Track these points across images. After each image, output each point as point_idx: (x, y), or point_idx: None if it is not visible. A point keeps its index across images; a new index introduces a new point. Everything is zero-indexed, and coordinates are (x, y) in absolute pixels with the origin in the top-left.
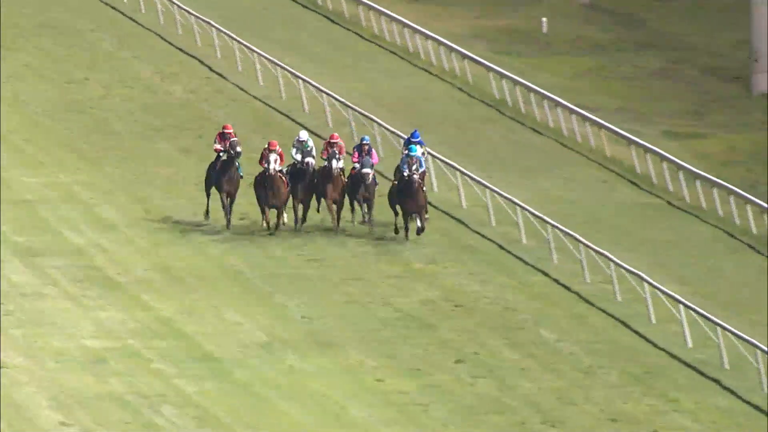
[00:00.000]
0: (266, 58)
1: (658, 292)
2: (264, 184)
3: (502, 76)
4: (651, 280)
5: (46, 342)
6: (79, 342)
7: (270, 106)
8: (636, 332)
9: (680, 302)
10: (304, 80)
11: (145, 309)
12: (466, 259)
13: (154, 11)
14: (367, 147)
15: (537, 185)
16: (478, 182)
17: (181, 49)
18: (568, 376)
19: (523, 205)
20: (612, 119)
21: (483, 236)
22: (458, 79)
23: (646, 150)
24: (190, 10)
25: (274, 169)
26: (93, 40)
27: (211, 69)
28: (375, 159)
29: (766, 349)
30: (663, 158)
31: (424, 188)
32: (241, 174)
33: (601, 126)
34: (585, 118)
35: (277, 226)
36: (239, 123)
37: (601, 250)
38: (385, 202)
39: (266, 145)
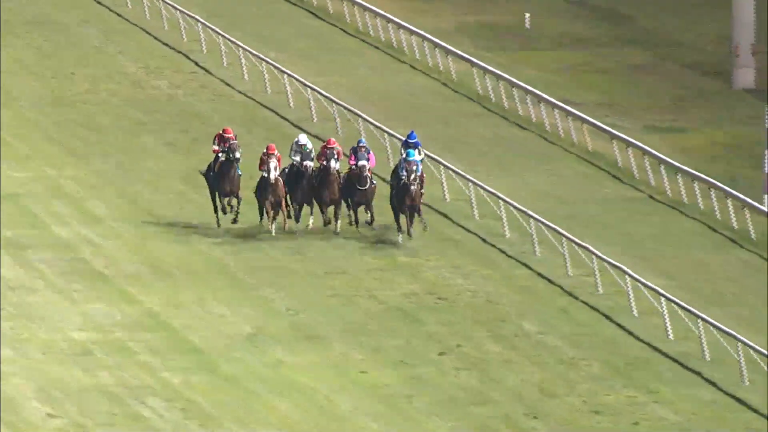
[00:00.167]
0: (251, 53)
1: (640, 285)
2: (265, 189)
3: (486, 71)
4: (633, 273)
5: (33, 334)
6: (66, 335)
7: (255, 101)
8: (618, 325)
9: (662, 295)
10: (289, 75)
11: (132, 302)
12: (449, 253)
13: (140, 6)
14: (363, 149)
15: (520, 179)
16: (462, 176)
17: (167, 44)
18: (551, 369)
19: (506, 198)
20: (594, 114)
21: (466, 230)
22: (442, 74)
23: (628, 144)
24: (176, 6)
25: (275, 177)
26: (80, 36)
27: (196, 64)
28: (372, 161)
29: (747, 341)
30: (645, 152)
31: (423, 192)
32: (240, 172)
33: (583, 120)
34: (568, 113)
35: (272, 222)
36: (224, 118)
37: (584, 244)
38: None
39: (265, 149)
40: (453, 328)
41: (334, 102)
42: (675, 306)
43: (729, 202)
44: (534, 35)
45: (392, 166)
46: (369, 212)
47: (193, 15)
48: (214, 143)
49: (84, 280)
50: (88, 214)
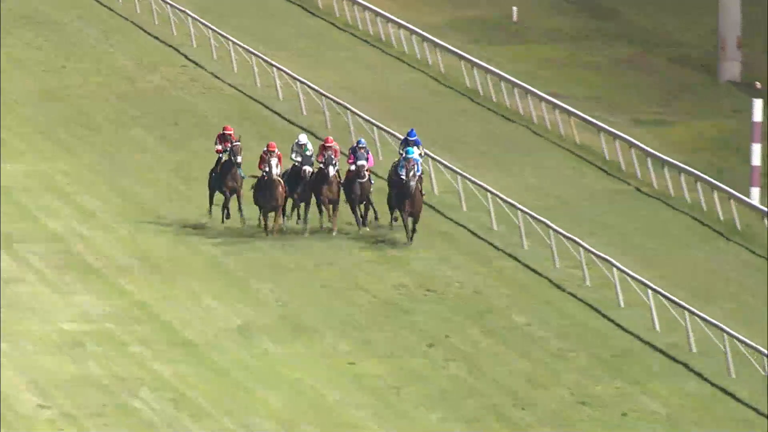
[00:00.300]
0: (241, 47)
1: (627, 277)
2: (264, 187)
3: (474, 64)
4: (620, 266)
5: (24, 326)
6: (57, 327)
7: (245, 94)
8: (605, 316)
9: (649, 287)
10: (278, 68)
11: (122, 294)
12: (438, 245)
13: (131, 1)
14: (363, 149)
15: (508, 172)
16: (450, 169)
17: (157, 38)
18: (539, 360)
19: (494, 191)
20: (581, 107)
21: (455, 222)
22: (430, 68)
23: (615, 137)
24: (166, 1)
25: (276, 174)
26: (71, 30)
27: (187, 58)
28: (371, 161)
29: (733, 333)
30: (631, 145)
31: (422, 191)
32: (243, 174)
33: (570, 114)
34: (555, 106)
35: (274, 228)
36: (215, 111)
37: (571, 236)
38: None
39: (265, 147)
40: (441, 321)
41: (323, 95)
42: (662, 298)
43: (715, 194)
44: (521, 29)
45: (381, 158)
46: (372, 209)
47: (183, 9)
48: (216, 143)
49: (75, 273)
50: (80, 207)
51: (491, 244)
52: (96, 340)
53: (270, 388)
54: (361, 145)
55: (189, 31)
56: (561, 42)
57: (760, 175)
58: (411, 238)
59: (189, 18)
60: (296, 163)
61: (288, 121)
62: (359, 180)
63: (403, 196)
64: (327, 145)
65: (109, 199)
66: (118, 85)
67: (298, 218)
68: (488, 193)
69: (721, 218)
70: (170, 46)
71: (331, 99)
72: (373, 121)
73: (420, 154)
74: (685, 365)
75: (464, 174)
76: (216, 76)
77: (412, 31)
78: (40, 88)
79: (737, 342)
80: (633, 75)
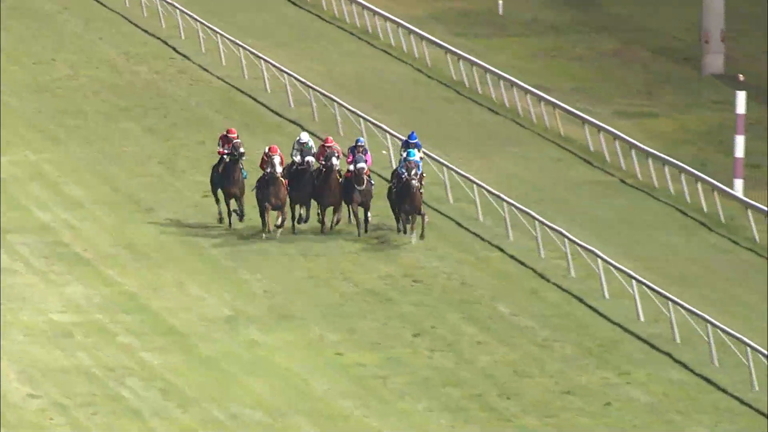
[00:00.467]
0: (229, 39)
1: (611, 268)
2: (267, 186)
3: (460, 57)
4: (604, 256)
5: (14, 316)
6: (46, 316)
7: (233, 86)
8: (590, 307)
9: (633, 277)
10: (265, 61)
11: (111, 284)
12: (424, 236)
13: None
14: (361, 148)
15: (493, 163)
16: (436, 160)
17: (146, 31)
18: (524, 350)
19: (479, 182)
20: (566, 99)
21: (441, 213)
22: (417, 60)
23: (599, 129)
24: None
25: (280, 172)
26: (60, 22)
27: (175, 50)
28: (369, 161)
29: (716, 323)
30: (616, 137)
31: (422, 192)
32: (245, 175)
33: (555, 106)
34: (540, 98)
35: (278, 226)
36: (203, 103)
37: (556, 227)
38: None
39: (266, 150)
40: (427, 310)
41: (311, 87)
42: (646, 288)
43: (699, 185)
44: (507, 22)
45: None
46: (366, 214)
47: (171, 2)
48: (219, 145)
49: (64, 263)
50: (69, 198)
51: (477, 235)
52: (85, 330)
53: (257, 377)
54: (359, 144)
55: (177, 23)
56: (546, 35)
57: (743, 166)
58: (408, 233)
59: (177, 11)
60: (296, 161)
61: (275, 113)
62: (358, 187)
63: (403, 195)
64: (327, 145)
65: (98, 190)
66: (107, 78)
67: (293, 218)
68: (474, 185)
69: (705, 209)
70: (159, 38)
71: (318, 91)
72: (360, 113)
73: (420, 156)
74: (669, 355)
75: (450, 166)
76: (204, 69)
77: (399, 24)
78: (30, 81)
79: (720, 332)
80: (617, 67)
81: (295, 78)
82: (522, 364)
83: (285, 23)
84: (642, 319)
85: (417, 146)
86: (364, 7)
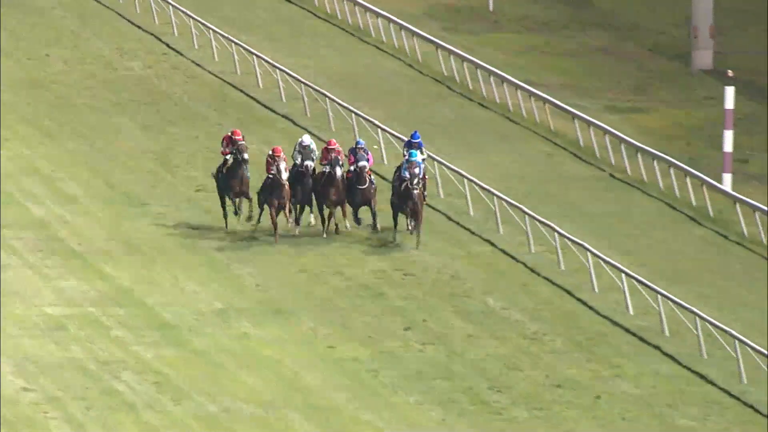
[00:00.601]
0: (221, 35)
1: (601, 262)
2: (271, 189)
3: (451, 53)
4: (594, 250)
5: (8, 310)
6: (41, 310)
7: (225, 82)
8: (580, 300)
9: (622, 271)
10: (258, 56)
11: (104, 278)
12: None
13: None
14: (362, 150)
15: (484, 158)
16: (428, 155)
17: (139, 27)
18: (514, 343)
19: (470, 177)
20: (556, 94)
21: (432, 207)
22: (408, 55)
23: (590, 124)
24: None
25: (286, 177)
26: (54, 18)
27: (168, 46)
28: (371, 161)
29: (705, 316)
30: (606, 132)
31: (425, 193)
32: (249, 174)
33: (545, 101)
34: (530, 94)
35: (278, 231)
36: (196, 98)
37: (546, 221)
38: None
39: (270, 152)
40: (419, 304)
41: (302, 83)
42: (635, 282)
43: (688, 180)
44: (498, 18)
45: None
46: (373, 217)
47: None
48: (222, 146)
49: (58, 257)
50: (62, 193)
51: (468, 229)
52: (79, 323)
53: (250, 370)
54: (359, 146)
55: (170, 19)
56: (536, 30)
57: (731, 161)
58: (412, 231)
59: (170, 7)
60: (296, 164)
61: (267, 108)
62: (359, 186)
63: (404, 198)
64: (330, 147)
65: (92, 185)
66: (101, 73)
67: (296, 221)
68: (465, 180)
69: (694, 204)
70: (152, 34)
71: (310, 87)
72: (351, 108)
73: (423, 158)
74: (658, 348)
75: (441, 160)
76: (197, 64)
77: (390, 20)
78: (24, 76)
79: (709, 325)
80: (607, 63)
81: (287, 73)
82: (512, 358)
83: (277, 19)
84: (631, 312)
85: (419, 146)
86: (356, 3)
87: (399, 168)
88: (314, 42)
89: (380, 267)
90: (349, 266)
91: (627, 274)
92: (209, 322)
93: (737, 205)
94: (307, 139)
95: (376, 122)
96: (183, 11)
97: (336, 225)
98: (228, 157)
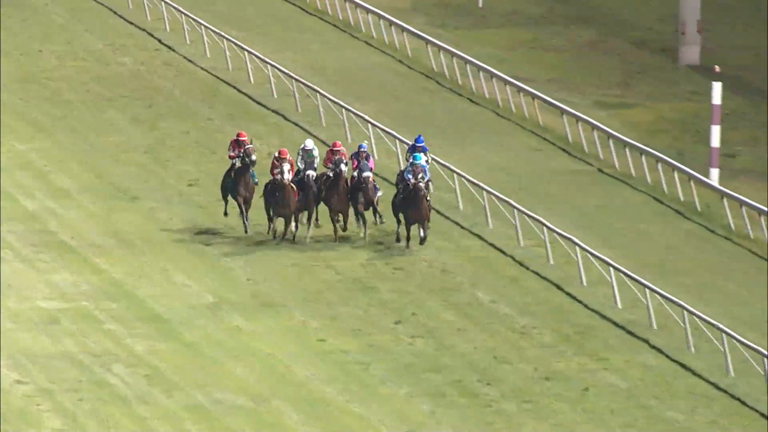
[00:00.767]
0: (213, 30)
1: (589, 256)
2: (275, 193)
3: (440, 48)
4: (582, 244)
5: (2, 304)
6: (33, 303)
7: (217, 77)
8: (568, 294)
9: (610, 265)
10: (249, 52)
11: (96, 272)
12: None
13: None
14: (365, 154)
15: (473, 153)
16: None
17: (131, 23)
18: (503, 336)
19: (460, 172)
20: (545, 90)
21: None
22: (398, 51)
23: (578, 119)
24: None
25: (288, 179)
26: (47, 14)
27: (160, 41)
28: (372, 165)
29: (692, 310)
30: (594, 127)
31: (428, 198)
32: (256, 180)
33: (534, 96)
34: (519, 89)
35: (284, 235)
36: (187, 93)
37: (535, 215)
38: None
39: (276, 154)
40: (408, 298)
41: (293, 78)
42: (623, 276)
43: (675, 175)
44: (486, 14)
45: (350, 141)
46: (375, 214)
47: None
48: (229, 149)
49: (51, 251)
50: (55, 186)
51: (457, 223)
52: (71, 317)
53: (241, 363)
54: (362, 150)
55: (162, 15)
56: (525, 26)
57: (718, 156)
58: (421, 242)
59: (162, 2)
60: (300, 170)
61: (259, 103)
62: (363, 191)
63: (409, 203)
64: (335, 149)
65: (84, 179)
66: (93, 68)
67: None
68: (454, 174)
69: (681, 198)
70: (144, 30)
71: (301, 82)
72: (342, 103)
73: (427, 160)
74: (646, 341)
75: (431, 155)
76: (189, 60)
77: (380, 16)
78: (18, 72)
79: (696, 318)
80: (595, 58)
81: (278, 69)
82: (501, 351)
83: (268, 15)
84: (619, 305)
85: (423, 150)
86: None
87: (403, 171)
88: (305, 38)
89: (370, 260)
90: (339, 260)
91: (615, 268)
92: (201, 316)
93: (724, 200)
94: (309, 144)
95: (367, 117)
96: (175, 7)
97: (335, 228)
98: (236, 161)
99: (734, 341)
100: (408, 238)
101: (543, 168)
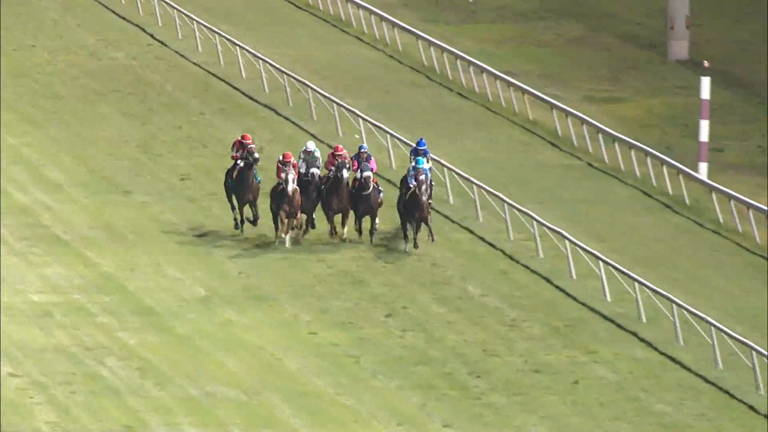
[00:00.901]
0: (205, 26)
1: (579, 249)
2: (279, 197)
3: (430, 43)
4: (572, 238)
5: None
6: (26, 297)
7: (209, 72)
8: (557, 287)
9: (599, 258)
10: (240, 47)
11: (89, 265)
12: (395, 218)
13: None
14: (365, 155)
15: (463, 147)
16: (408, 144)
17: (123, 18)
18: (493, 329)
19: (450, 166)
20: (534, 84)
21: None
22: (388, 46)
23: (567, 114)
24: None
25: (293, 188)
26: (39, 9)
27: (152, 36)
28: (374, 167)
29: (681, 303)
30: (583, 121)
31: (431, 201)
32: (258, 179)
33: (524, 91)
34: (509, 84)
35: (289, 237)
36: (179, 88)
37: (524, 209)
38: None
39: (281, 157)
40: (399, 291)
41: (285, 73)
42: (612, 269)
43: (664, 169)
44: (477, 9)
45: (341, 135)
46: (372, 223)
47: None
48: (232, 150)
49: (43, 245)
50: (47, 180)
51: (447, 216)
52: (64, 310)
53: (232, 356)
54: (362, 151)
55: (154, 10)
56: (514, 21)
57: (707, 150)
58: (416, 245)
59: None
60: (302, 172)
61: (250, 98)
62: (364, 192)
63: (412, 206)
64: (337, 153)
65: (76, 173)
66: (86, 63)
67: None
68: (444, 168)
69: (670, 192)
70: (136, 25)
71: (292, 77)
72: (333, 98)
73: (428, 163)
74: (634, 334)
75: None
76: (180, 54)
77: (371, 11)
78: (10, 66)
79: (685, 311)
80: (584, 53)
81: (270, 64)
82: (491, 344)
83: (260, 10)
84: (608, 298)
85: (425, 153)
86: None
87: (405, 175)
88: (296, 33)
89: (361, 254)
90: (330, 254)
91: (604, 262)
92: (192, 309)
93: (713, 194)
94: (311, 146)
95: (357, 111)
96: (167, 2)
97: (334, 230)
98: (239, 162)
99: (722, 334)
100: (415, 240)
101: (533, 162)
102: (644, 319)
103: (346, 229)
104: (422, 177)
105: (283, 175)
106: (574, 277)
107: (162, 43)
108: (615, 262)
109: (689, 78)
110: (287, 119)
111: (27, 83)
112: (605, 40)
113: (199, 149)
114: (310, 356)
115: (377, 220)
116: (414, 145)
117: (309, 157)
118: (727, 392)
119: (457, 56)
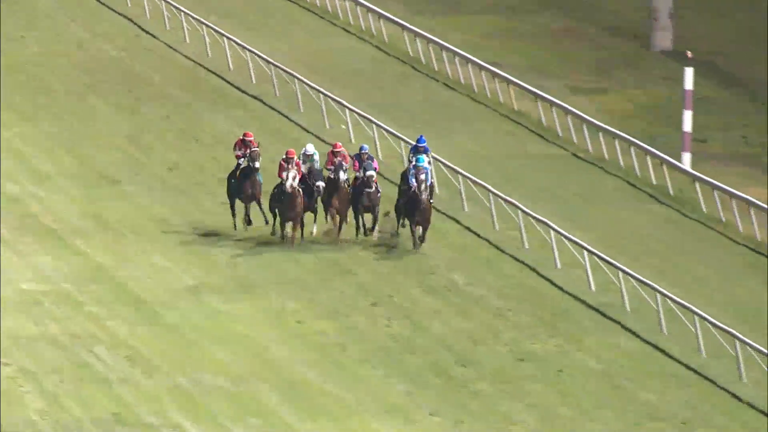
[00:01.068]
0: (193, 17)
1: (564, 239)
2: (280, 198)
3: (416, 35)
4: (557, 228)
5: None
6: (16, 286)
7: (197, 63)
8: (543, 277)
9: (584, 248)
10: (228, 38)
11: (78, 255)
12: (382, 208)
13: None
14: (366, 155)
15: (449, 138)
16: (394, 135)
17: (113, 10)
18: (479, 319)
19: (436, 156)
20: (519, 76)
21: (398, 186)
22: (374, 37)
23: (552, 104)
24: None
25: (291, 186)
26: (30, 1)
27: (141, 28)
28: (376, 167)
29: (665, 292)
30: (568, 112)
31: (432, 200)
32: (261, 179)
33: (509, 82)
34: (494, 75)
35: (293, 237)
36: (168, 80)
37: (510, 200)
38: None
39: (284, 155)
40: (385, 280)
41: (272, 64)
42: (597, 259)
43: (648, 159)
44: (462, 1)
45: (328, 127)
46: (373, 222)
47: None
48: (235, 149)
49: (33, 235)
50: (38, 172)
51: (433, 206)
52: (53, 299)
53: (220, 345)
54: (363, 152)
55: (143, 2)
56: (500, 13)
57: (690, 141)
58: (417, 245)
59: None
60: (304, 174)
61: (239, 89)
62: (367, 189)
63: (413, 206)
64: (336, 150)
65: (66, 164)
66: (75, 55)
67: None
68: (431, 158)
69: (654, 182)
70: (125, 17)
71: (280, 68)
72: (320, 89)
73: (429, 161)
74: (619, 323)
75: (407, 140)
76: (169, 46)
77: (357, 3)
78: (1, 59)
79: (669, 300)
80: (569, 45)
81: (257, 55)
82: (477, 333)
83: (248, 2)
84: (593, 288)
85: (426, 151)
86: None
87: (406, 173)
88: (284, 24)
89: (348, 245)
90: (318, 243)
91: (589, 251)
92: (181, 298)
93: (696, 184)
94: (310, 148)
95: (345, 102)
96: None
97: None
98: (241, 161)
99: (706, 323)
100: (415, 241)
101: (518, 153)
102: (629, 309)
103: (342, 229)
104: (423, 176)
105: (284, 174)
106: (560, 267)
107: (151, 35)
108: (600, 252)
109: (673, 69)
110: (275, 110)
111: (17, 76)
112: (590, 32)
113: (188, 140)
114: (297, 345)
115: (378, 220)
116: (414, 142)
117: (309, 160)
118: (710, 380)
119: (443, 48)
